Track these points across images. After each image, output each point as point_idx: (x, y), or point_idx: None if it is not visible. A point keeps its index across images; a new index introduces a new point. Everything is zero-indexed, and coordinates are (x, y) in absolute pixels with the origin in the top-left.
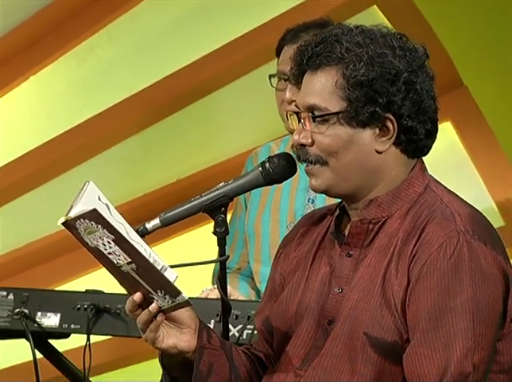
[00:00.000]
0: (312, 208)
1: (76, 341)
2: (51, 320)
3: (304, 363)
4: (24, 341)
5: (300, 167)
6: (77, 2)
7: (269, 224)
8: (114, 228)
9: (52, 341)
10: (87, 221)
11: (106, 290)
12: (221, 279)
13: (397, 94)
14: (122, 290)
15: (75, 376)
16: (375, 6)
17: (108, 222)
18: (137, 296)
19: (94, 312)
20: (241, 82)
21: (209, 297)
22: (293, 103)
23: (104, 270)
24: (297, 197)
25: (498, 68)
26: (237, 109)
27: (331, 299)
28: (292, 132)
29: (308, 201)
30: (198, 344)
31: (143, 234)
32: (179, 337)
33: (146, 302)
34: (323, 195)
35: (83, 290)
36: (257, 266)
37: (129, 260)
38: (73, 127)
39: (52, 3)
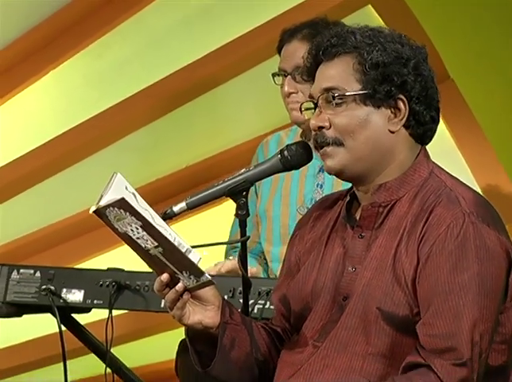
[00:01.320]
0: (321, 193)
1: (95, 315)
2: (75, 296)
3: (321, 335)
4: (47, 315)
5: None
6: (92, 4)
7: (280, 207)
8: (142, 215)
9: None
10: (116, 209)
11: (126, 268)
12: (242, 258)
13: (409, 76)
14: (142, 268)
15: (97, 347)
16: (370, 6)
17: (135, 209)
18: (165, 277)
19: (115, 288)
20: (244, 76)
21: (222, 270)
22: (292, 95)
23: (122, 248)
24: (307, 183)
25: (482, 63)
26: (241, 101)
27: (346, 277)
28: (297, 124)
29: (317, 186)
30: (221, 320)
31: (170, 216)
32: (204, 314)
33: (173, 281)
34: (331, 180)
35: (105, 268)
36: (268, 246)
37: (156, 244)
38: (90, 118)
39: (69, 4)
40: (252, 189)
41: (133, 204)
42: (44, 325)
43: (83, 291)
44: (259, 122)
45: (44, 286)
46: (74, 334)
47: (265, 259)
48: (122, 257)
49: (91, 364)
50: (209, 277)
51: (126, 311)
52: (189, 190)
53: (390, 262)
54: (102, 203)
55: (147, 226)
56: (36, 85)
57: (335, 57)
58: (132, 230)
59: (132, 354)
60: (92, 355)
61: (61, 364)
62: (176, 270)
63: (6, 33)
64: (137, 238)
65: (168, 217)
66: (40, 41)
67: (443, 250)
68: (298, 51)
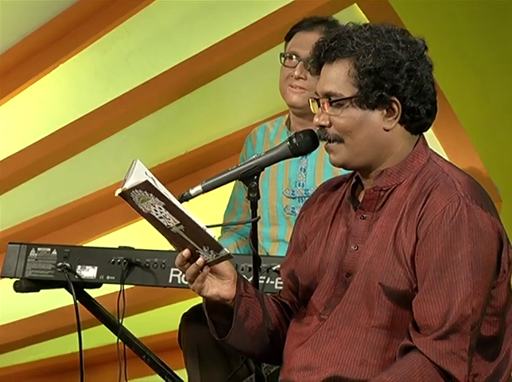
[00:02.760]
0: (304, 176)
1: (104, 290)
2: (89, 272)
3: (326, 308)
4: (55, 290)
5: None
6: (100, 2)
7: (268, 191)
8: (164, 196)
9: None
10: (141, 191)
11: (135, 247)
12: (253, 237)
13: (401, 80)
14: (151, 247)
15: (107, 318)
16: (355, 4)
17: (159, 191)
18: (186, 252)
19: (126, 265)
20: (241, 69)
21: None
22: (300, 80)
23: (132, 227)
24: (291, 168)
25: (456, 56)
26: (237, 92)
27: (349, 255)
28: (292, 106)
29: (300, 170)
30: (237, 293)
31: (187, 199)
32: (221, 287)
33: (193, 257)
34: (314, 165)
35: (117, 247)
36: (259, 226)
37: (178, 222)
38: (98, 108)
39: (79, 2)
40: None
41: (156, 186)
42: (53, 298)
43: (96, 268)
44: (254, 111)
45: (60, 264)
46: (87, 308)
47: None
48: (132, 234)
49: (99, 334)
50: (227, 251)
51: (131, 286)
52: (189, 174)
53: (391, 241)
54: (127, 186)
55: (169, 206)
56: (48, 77)
57: (334, 61)
58: (155, 210)
59: (137, 325)
60: (98, 327)
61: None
62: (196, 246)
63: (21, 28)
64: (160, 217)
65: (184, 199)
66: (52, 37)
67: (439, 230)
68: None
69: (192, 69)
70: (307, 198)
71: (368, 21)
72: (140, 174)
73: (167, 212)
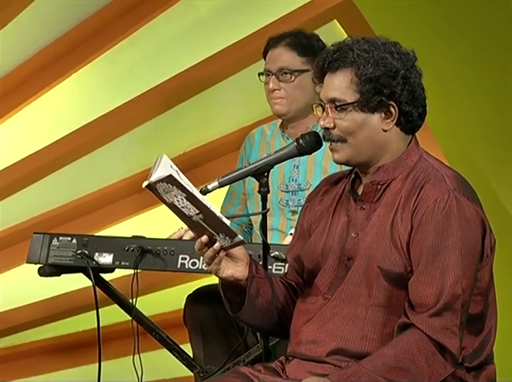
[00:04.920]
0: (297, 172)
1: (116, 274)
2: (106, 258)
3: (330, 289)
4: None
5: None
6: (107, 17)
7: None
8: (186, 188)
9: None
10: (165, 184)
11: (147, 236)
12: (263, 226)
13: (397, 86)
14: (161, 236)
15: (121, 300)
16: (335, 21)
17: (181, 183)
18: (204, 238)
19: (139, 252)
20: (232, 78)
21: (186, 237)
22: (275, 91)
23: (142, 216)
24: (285, 164)
25: (421, 64)
26: (229, 98)
27: (350, 242)
28: (278, 115)
29: (294, 167)
30: (249, 274)
31: (205, 193)
32: (235, 269)
33: (211, 242)
34: (306, 162)
35: (130, 236)
36: (256, 217)
37: (198, 212)
38: (106, 113)
39: (87, 18)
40: None
41: (178, 179)
42: (69, 282)
43: (112, 255)
44: (244, 116)
45: (79, 251)
46: (102, 290)
47: (247, 228)
48: (132, 226)
49: (109, 314)
50: (241, 238)
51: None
52: (187, 172)
53: (388, 229)
54: (153, 179)
55: (190, 197)
56: (61, 86)
57: (337, 70)
58: (178, 200)
59: (146, 305)
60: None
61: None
62: (213, 233)
63: (37, 41)
64: (182, 207)
65: (203, 193)
66: (65, 49)
67: (432, 219)
68: (282, 55)
69: (188, 78)
70: (299, 191)
71: (346, 35)
72: (165, 168)
73: (188, 203)
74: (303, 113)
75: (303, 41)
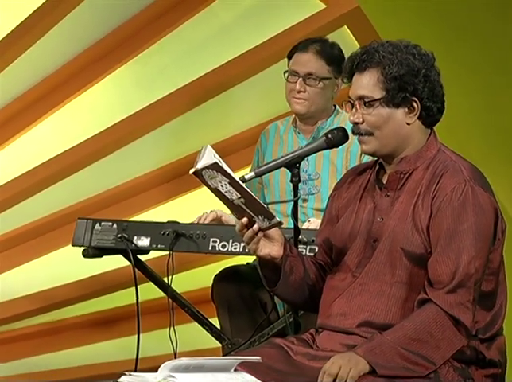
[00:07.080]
0: (307, 164)
1: (149, 255)
2: (144, 241)
3: (358, 268)
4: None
5: None
6: (139, 23)
7: (279, 176)
8: (229, 174)
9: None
10: (210, 170)
11: (180, 221)
12: (294, 212)
13: (419, 84)
14: (186, 221)
15: (156, 279)
16: (345, 27)
17: (225, 170)
18: (245, 220)
19: (174, 236)
20: (251, 80)
21: (205, 221)
22: (301, 93)
23: (170, 204)
24: None
25: None
26: (246, 99)
27: (375, 225)
28: (297, 115)
29: (304, 159)
30: (284, 253)
31: (243, 181)
32: (271, 248)
33: (250, 224)
34: (315, 155)
35: (166, 221)
36: (273, 205)
37: (239, 196)
38: (138, 111)
39: (121, 25)
40: (255, 164)
41: (223, 166)
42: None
43: (149, 238)
44: (261, 114)
45: (120, 235)
46: (140, 270)
47: None
48: (162, 212)
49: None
50: (278, 219)
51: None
52: None
53: (410, 214)
54: (199, 166)
55: (233, 182)
56: (97, 86)
57: (365, 70)
58: (221, 186)
59: (177, 283)
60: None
61: (112, 294)
62: (253, 215)
63: (77, 44)
64: (225, 192)
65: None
66: (99, 53)
67: (449, 206)
68: (312, 61)
69: (212, 79)
70: (309, 181)
71: (355, 40)
72: (209, 156)
73: (231, 188)
74: (317, 114)
75: (329, 50)
